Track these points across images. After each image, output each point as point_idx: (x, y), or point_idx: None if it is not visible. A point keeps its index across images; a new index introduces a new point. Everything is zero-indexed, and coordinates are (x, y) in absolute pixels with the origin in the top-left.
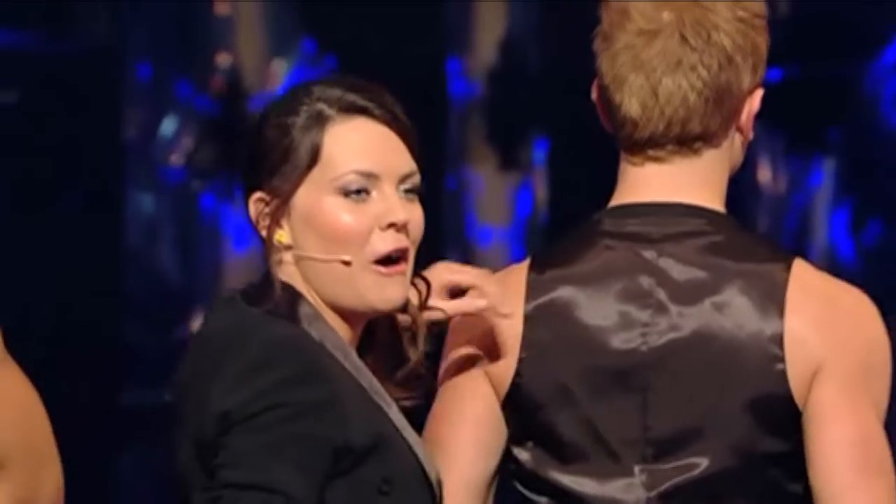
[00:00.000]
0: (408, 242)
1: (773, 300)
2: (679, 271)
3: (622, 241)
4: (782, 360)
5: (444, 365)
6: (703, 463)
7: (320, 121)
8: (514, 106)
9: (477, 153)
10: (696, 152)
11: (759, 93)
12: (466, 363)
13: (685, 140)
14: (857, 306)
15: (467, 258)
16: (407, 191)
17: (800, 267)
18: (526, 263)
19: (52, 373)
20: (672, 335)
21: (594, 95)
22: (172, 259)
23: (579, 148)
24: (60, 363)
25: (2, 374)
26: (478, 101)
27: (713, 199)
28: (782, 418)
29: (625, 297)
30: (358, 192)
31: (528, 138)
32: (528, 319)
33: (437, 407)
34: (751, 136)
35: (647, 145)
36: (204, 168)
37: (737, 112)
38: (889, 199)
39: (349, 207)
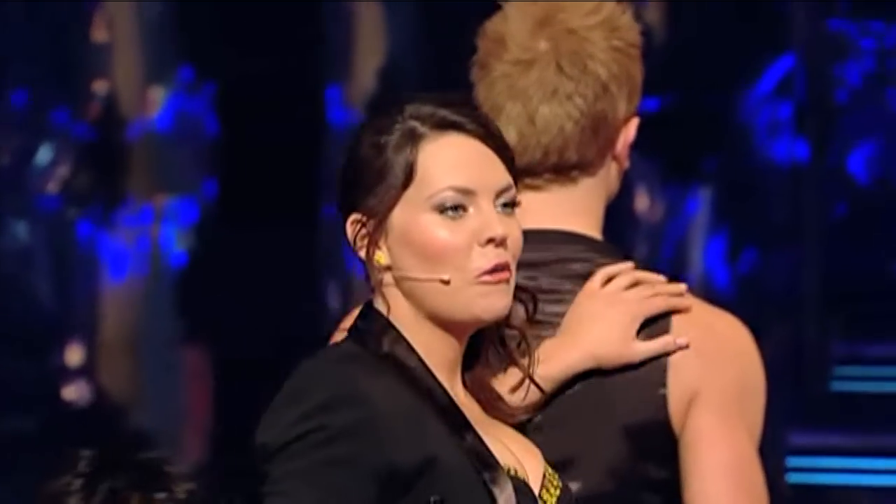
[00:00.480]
0: (508, 257)
1: (655, 327)
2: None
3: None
4: (664, 385)
5: None
6: (575, 486)
7: (413, 138)
8: None
9: None
10: (572, 180)
11: (635, 121)
12: None
13: (562, 168)
14: (732, 333)
15: (344, 286)
16: (504, 205)
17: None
18: None
19: None
20: None
21: None
22: (47, 287)
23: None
24: None
25: None
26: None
27: (591, 226)
28: (660, 444)
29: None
30: (454, 208)
31: None
32: None
33: None
34: (626, 164)
35: (524, 173)
36: (80, 195)
37: (612, 140)
38: (763, 227)
39: (446, 224)
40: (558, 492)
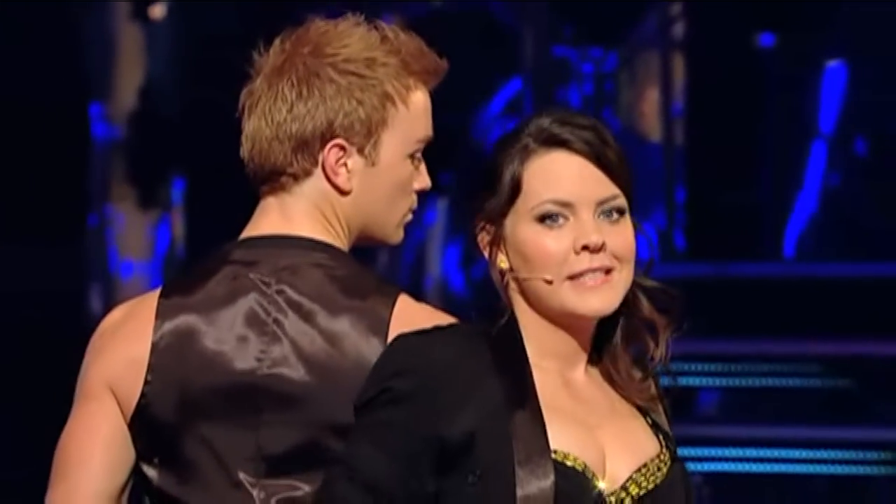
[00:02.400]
0: (606, 261)
1: (376, 333)
2: (295, 302)
3: (246, 270)
4: None
5: (78, 384)
6: (305, 487)
7: (523, 154)
8: (153, 148)
9: (118, 192)
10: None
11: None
12: (97, 384)
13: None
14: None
15: (109, 290)
16: (606, 213)
17: (403, 302)
18: (157, 292)
19: None
20: (284, 361)
21: None
22: None
23: (215, 186)
24: None
25: None
26: (119, 144)
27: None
28: None
29: (244, 323)
30: (553, 217)
31: (166, 178)
32: (155, 346)
33: (69, 424)
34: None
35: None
36: None
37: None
38: None
39: (546, 233)
40: (641, 492)
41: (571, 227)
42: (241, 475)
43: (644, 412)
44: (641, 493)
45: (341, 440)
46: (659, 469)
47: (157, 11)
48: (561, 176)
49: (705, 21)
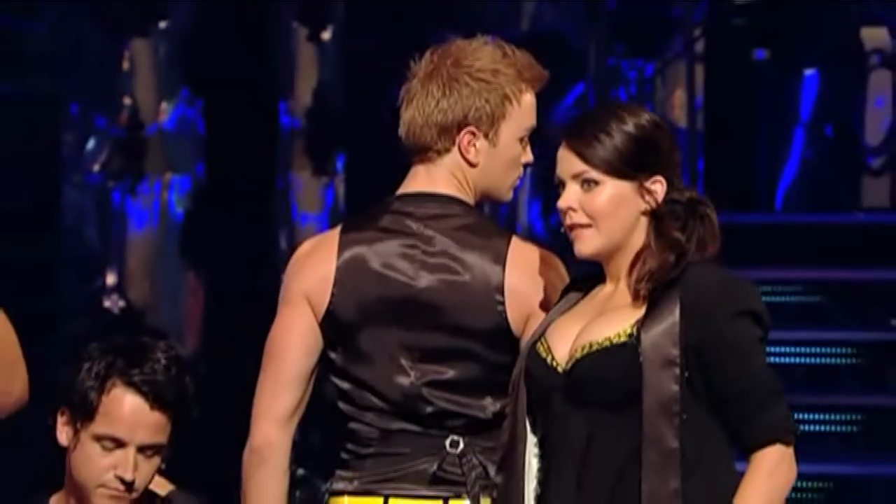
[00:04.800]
0: (576, 217)
1: (498, 262)
2: (437, 240)
3: (402, 216)
4: (503, 303)
5: (281, 295)
6: (449, 372)
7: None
8: (322, 132)
9: (298, 164)
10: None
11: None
12: (296, 294)
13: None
14: (553, 263)
15: (292, 235)
16: (584, 182)
17: (516, 241)
18: (338, 230)
19: None
20: (429, 281)
21: None
22: (94, 233)
23: (366, 159)
24: None
25: None
26: (298, 130)
27: (461, 192)
28: (504, 341)
29: (400, 254)
30: (555, 188)
31: (332, 154)
32: (338, 268)
33: (276, 324)
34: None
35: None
36: (115, 173)
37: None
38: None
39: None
40: (571, 363)
41: (563, 195)
42: (402, 360)
43: (649, 304)
44: (572, 362)
45: (469, 338)
46: (600, 347)
47: (326, 34)
48: (559, 156)
49: (717, 40)
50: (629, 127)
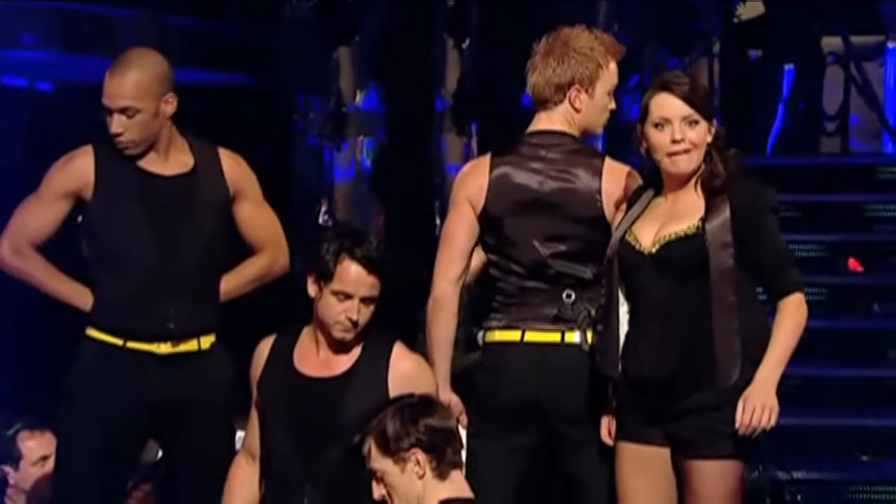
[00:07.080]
0: (685, 145)
1: (596, 175)
2: (556, 160)
3: (532, 147)
4: (601, 201)
5: (451, 200)
6: (562, 246)
7: (651, 90)
8: (462, 107)
9: (447, 128)
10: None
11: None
12: (462, 198)
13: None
14: (631, 174)
15: (443, 177)
16: (688, 122)
17: (608, 160)
18: (489, 155)
19: None
20: (552, 187)
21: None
22: (313, 177)
23: (493, 126)
24: None
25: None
26: (447, 107)
27: (570, 129)
28: (601, 226)
29: (531, 170)
30: (659, 125)
31: (468, 123)
32: (490, 181)
33: (448, 217)
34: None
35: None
36: (327, 136)
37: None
38: None
39: (658, 132)
40: (656, 248)
41: (668, 130)
42: (533, 241)
43: (707, 206)
44: (657, 247)
45: (578, 225)
46: (678, 236)
47: (465, 43)
48: (664, 105)
49: (727, 44)
50: (705, 89)
